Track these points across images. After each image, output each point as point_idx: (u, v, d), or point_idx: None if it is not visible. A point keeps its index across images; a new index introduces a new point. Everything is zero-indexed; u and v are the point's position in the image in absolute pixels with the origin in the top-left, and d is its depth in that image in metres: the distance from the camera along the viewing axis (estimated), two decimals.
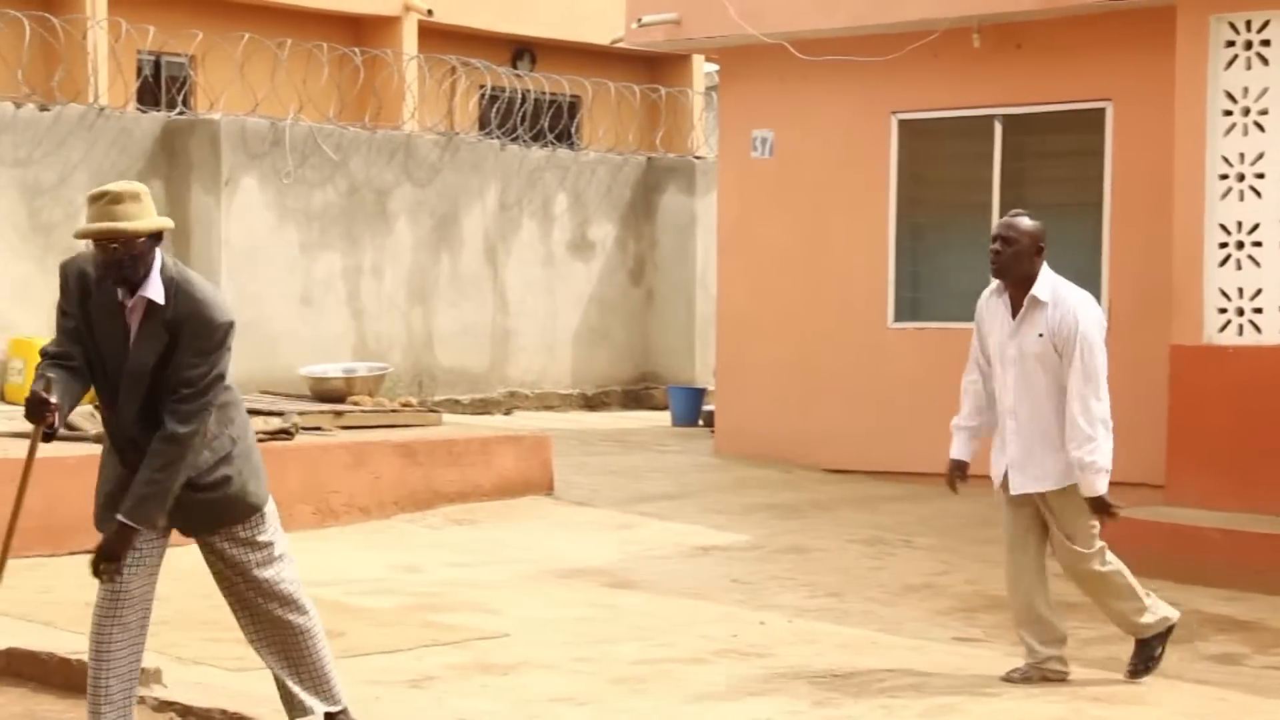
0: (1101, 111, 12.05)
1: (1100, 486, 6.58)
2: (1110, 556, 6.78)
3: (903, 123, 13.06)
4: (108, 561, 5.14)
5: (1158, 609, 6.82)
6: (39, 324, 14.72)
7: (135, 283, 5.09)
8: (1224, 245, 10.15)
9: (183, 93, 17.49)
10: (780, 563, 9.63)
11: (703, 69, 22.22)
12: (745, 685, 6.59)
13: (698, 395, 16.62)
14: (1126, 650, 7.53)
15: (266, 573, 5.36)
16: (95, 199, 5.08)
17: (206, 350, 5.11)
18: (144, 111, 15.55)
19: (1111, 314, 11.86)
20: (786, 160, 13.64)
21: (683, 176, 18.74)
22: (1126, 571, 6.80)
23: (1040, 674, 6.72)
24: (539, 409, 17.47)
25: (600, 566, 9.33)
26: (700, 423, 16.14)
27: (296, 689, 5.44)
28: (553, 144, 18.14)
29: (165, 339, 5.11)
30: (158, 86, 18.03)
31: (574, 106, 19.98)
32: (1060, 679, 6.72)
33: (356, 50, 17.33)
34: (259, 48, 16.22)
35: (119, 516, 5.09)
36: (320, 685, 5.46)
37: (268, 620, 5.40)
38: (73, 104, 14.92)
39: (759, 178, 13.78)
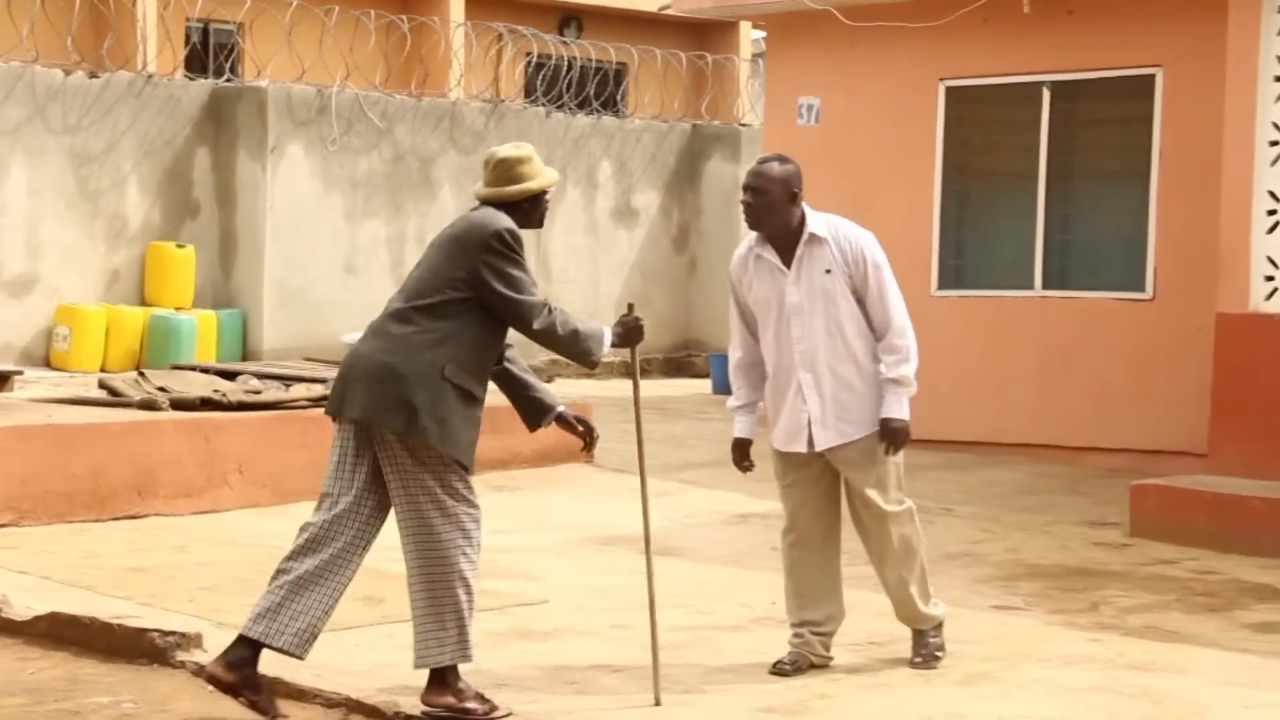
0: (1151, 78, 11.93)
1: (906, 411, 6.28)
2: (919, 526, 6.49)
3: (950, 90, 12.96)
4: None
5: (939, 602, 6.54)
6: (85, 290, 14.85)
7: None
8: (1272, 212, 10.03)
9: (230, 60, 17.56)
10: None
11: (749, 36, 22.15)
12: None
13: None
14: (1166, 619, 7.51)
15: None
16: (527, 158, 5.77)
17: None
18: (192, 79, 15.63)
19: (1158, 282, 11.82)
20: (832, 128, 13.58)
21: (728, 144, 18.69)
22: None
23: (809, 660, 6.38)
24: (580, 376, 17.47)
25: (640, 534, 9.30)
26: None
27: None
28: (598, 111, 18.12)
29: None
30: (205, 54, 18.12)
31: (620, 74, 19.95)
32: (825, 664, 6.39)
33: (403, 17, 17.34)
34: (306, 15, 16.26)
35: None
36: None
37: None
38: (121, 71, 15.01)
39: (805, 145, 13.67)
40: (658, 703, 5.91)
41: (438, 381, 5.49)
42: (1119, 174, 12.21)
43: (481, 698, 5.69)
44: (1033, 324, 12.34)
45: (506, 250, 5.55)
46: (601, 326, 5.78)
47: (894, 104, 13.12)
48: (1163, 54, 11.83)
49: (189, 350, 14.19)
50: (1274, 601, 7.99)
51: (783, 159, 6.30)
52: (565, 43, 19.10)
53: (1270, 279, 10.02)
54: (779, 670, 6.33)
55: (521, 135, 16.80)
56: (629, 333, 5.86)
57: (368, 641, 6.61)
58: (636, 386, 6.23)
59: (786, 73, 13.94)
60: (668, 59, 19.07)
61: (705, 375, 17.45)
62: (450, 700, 5.63)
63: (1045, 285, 12.37)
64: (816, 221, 6.27)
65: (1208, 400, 10.27)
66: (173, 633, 6.24)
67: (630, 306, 6.02)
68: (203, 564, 8.02)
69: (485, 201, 5.72)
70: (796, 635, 6.46)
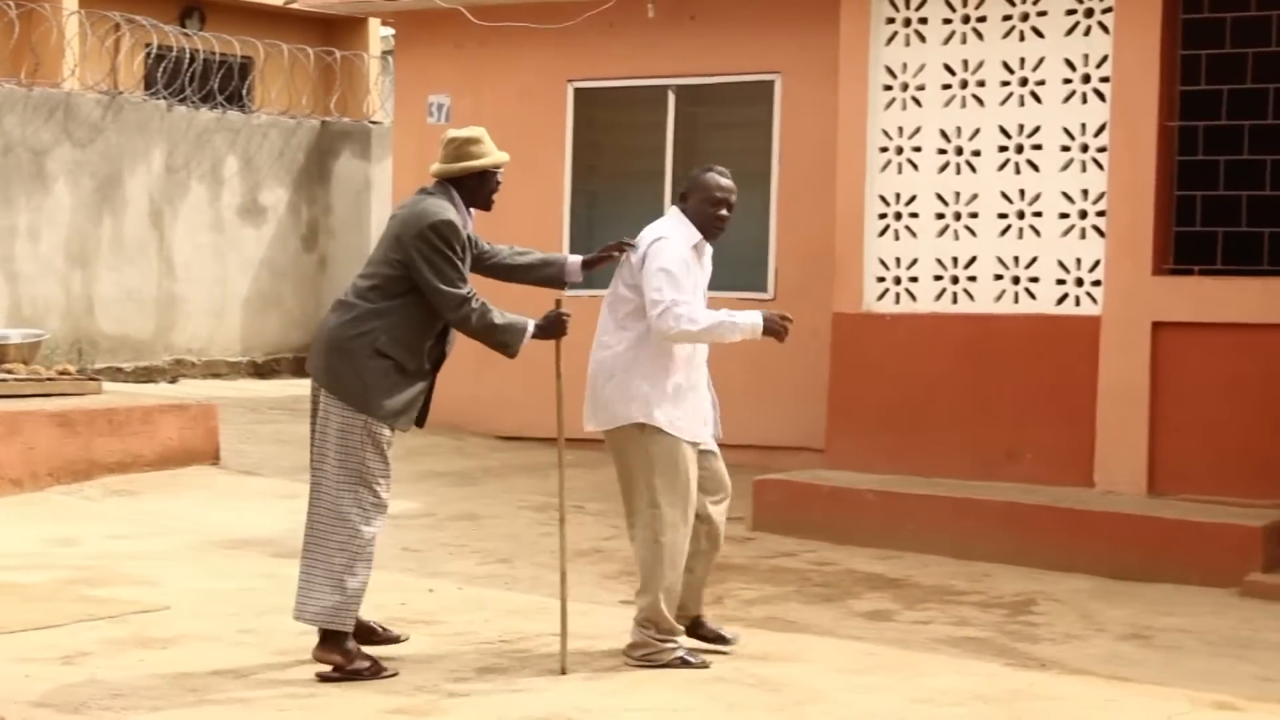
0: (770, 84, 12.31)
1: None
2: None
3: (579, 91, 13.11)
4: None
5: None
6: None
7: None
8: (883, 216, 10.47)
9: None
10: (451, 530, 9.59)
11: (379, 32, 21.94)
12: (413, 653, 6.55)
13: None
14: (785, 609, 7.74)
15: None
16: (477, 139, 6.37)
17: None
18: None
19: (779, 283, 12.21)
20: (463, 126, 13.52)
21: (358, 141, 18.50)
22: None
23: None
24: (206, 377, 17.06)
25: (267, 536, 9.15)
26: None
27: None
28: (223, 106, 17.67)
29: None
30: None
31: (245, 68, 19.48)
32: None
33: (11, 3, 16.56)
34: None
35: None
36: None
37: None
38: None
39: (435, 144, 13.43)
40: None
41: (368, 353, 6.13)
42: (741, 177, 12.21)
43: (367, 657, 6.20)
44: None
45: (438, 241, 6.14)
46: (526, 319, 6.30)
47: (524, 104, 13.19)
48: (781, 61, 12.22)
49: None
50: (885, 590, 8.35)
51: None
52: (187, 34, 18.54)
53: (882, 280, 10.46)
54: (702, 664, 6.48)
55: (142, 129, 16.26)
56: (549, 326, 6.35)
57: None
58: (559, 378, 6.47)
59: (416, 71, 13.87)
60: (295, 54, 18.73)
61: None
62: (338, 659, 6.12)
63: None
64: None
65: (825, 397, 10.65)
66: None
67: (558, 302, 6.40)
68: None
69: (436, 176, 6.37)
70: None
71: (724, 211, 6.64)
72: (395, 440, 6.32)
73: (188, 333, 17.14)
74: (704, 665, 6.49)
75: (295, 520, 9.63)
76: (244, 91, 19.03)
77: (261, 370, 17.80)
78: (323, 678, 6.15)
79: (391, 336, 6.18)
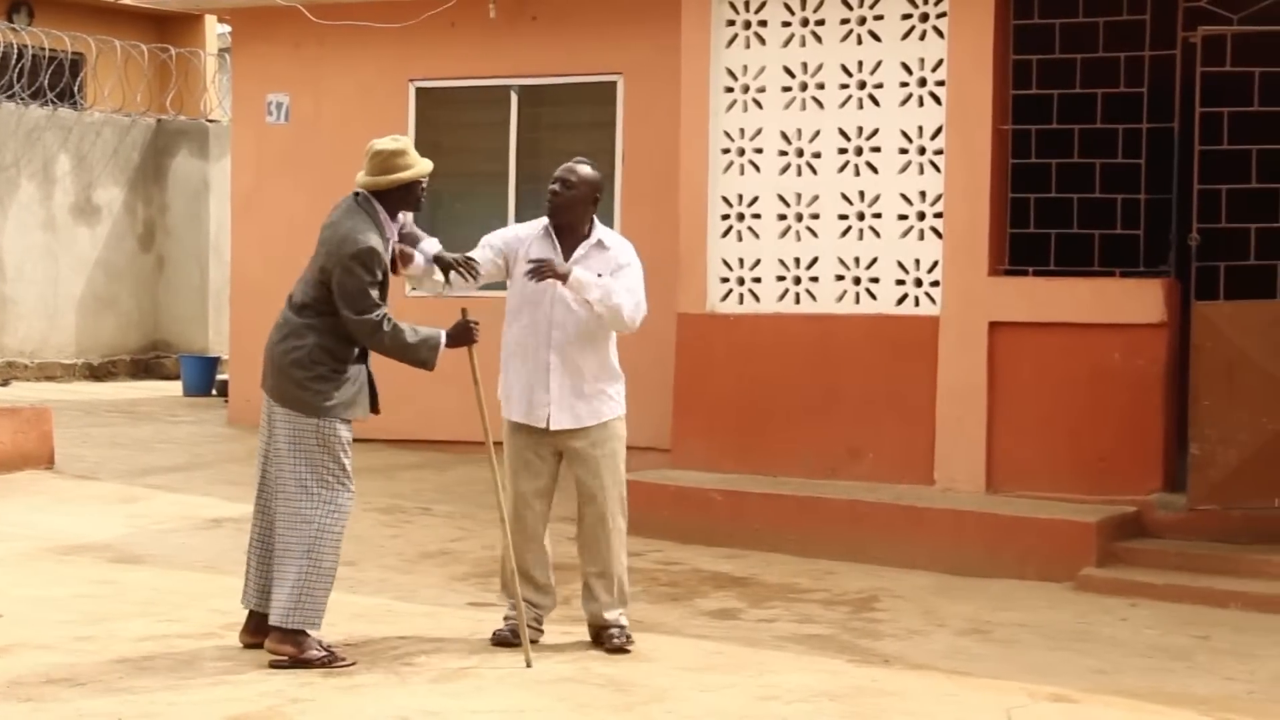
0: (613, 85, 12.34)
1: (580, 282, 7.04)
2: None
3: (420, 91, 13.04)
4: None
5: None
6: None
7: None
8: (726, 217, 10.55)
9: None
10: None
11: (215, 30, 21.64)
12: (255, 659, 6.47)
13: (211, 364, 16.21)
14: (633, 610, 7.77)
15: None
16: (403, 151, 6.47)
17: None
18: None
19: None
20: (302, 126, 13.42)
21: (195, 140, 18.22)
22: None
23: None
24: (40, 379, 16.70)
25: (104, 541, 8.98)
26: (214, 392, 15.76)
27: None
28: (54, 103, 17.31)
29: None
30: None
31: (76, 64, 19.08)
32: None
33: None
34: None
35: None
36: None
37: None
38: None
39: (274, 143, 13.50)
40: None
41: (305, 364, 6.40)
42: None
43: (323, 647, 6.40)
44: (502, 324, 12.53)
45: (359, 270, 6.33)
46: (438, 332, 6.50)
47: (365, 103, 13.09)
48: (623, 62, 12.25)
49: None
50: (730, 589, 8.41)
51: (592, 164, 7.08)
52: (14, 29, 18.12)
53: (725, 280, 10.54)
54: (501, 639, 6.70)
55: None
56: (458, 334, 6.59)
57: None
58: (477, 384, 6.72)
59: (254, 69, 13.69)
60: (128, 50, 18.39)
61: (175, 377, 16.94)
62: (290, 650, 6.32)
63: None
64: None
65: (671, 397, 10.69)
66: None
67: (464, 311, 6.64)
68: None
69: (364, 188, 6.50)
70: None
71: (554, 186, 6.96)
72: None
73: (19, 334, 16.76)
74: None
75: (133, 525, 9.50)
76: (75, 88, 18.64)
77: (98, 373, 17.46)
78: (275, 665, 6.32)
79: (324, 349, 6.44)
